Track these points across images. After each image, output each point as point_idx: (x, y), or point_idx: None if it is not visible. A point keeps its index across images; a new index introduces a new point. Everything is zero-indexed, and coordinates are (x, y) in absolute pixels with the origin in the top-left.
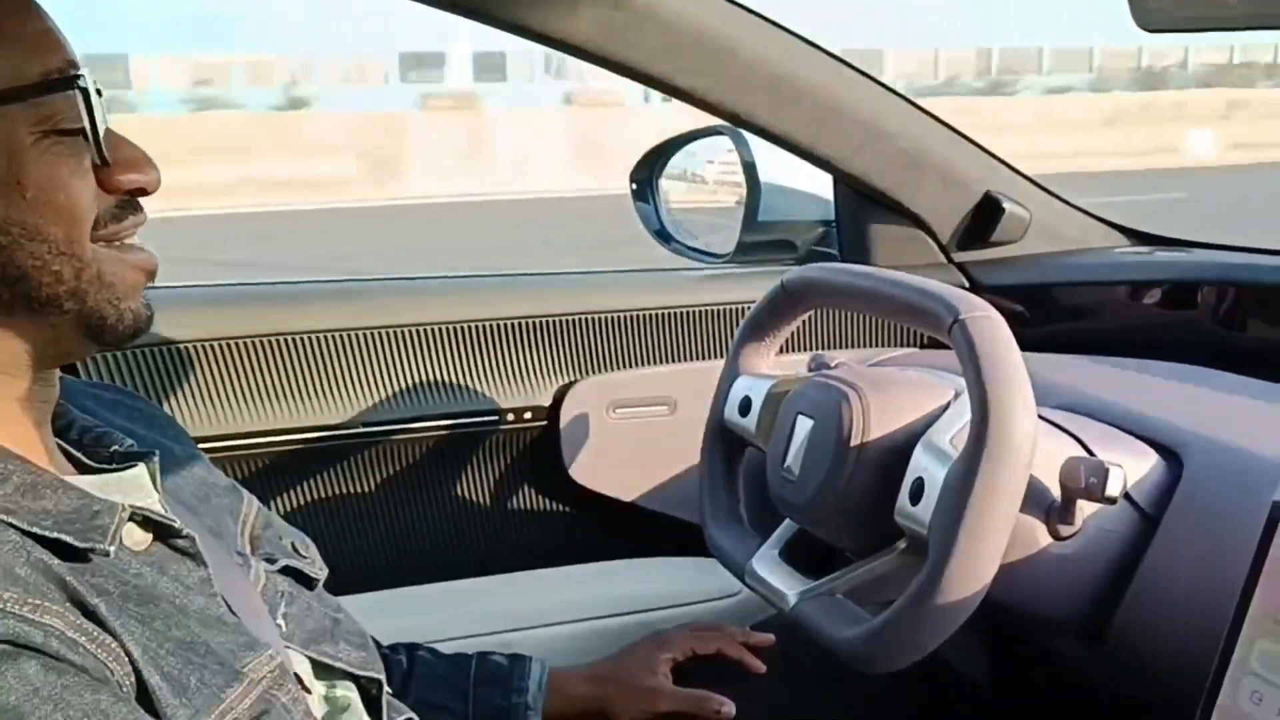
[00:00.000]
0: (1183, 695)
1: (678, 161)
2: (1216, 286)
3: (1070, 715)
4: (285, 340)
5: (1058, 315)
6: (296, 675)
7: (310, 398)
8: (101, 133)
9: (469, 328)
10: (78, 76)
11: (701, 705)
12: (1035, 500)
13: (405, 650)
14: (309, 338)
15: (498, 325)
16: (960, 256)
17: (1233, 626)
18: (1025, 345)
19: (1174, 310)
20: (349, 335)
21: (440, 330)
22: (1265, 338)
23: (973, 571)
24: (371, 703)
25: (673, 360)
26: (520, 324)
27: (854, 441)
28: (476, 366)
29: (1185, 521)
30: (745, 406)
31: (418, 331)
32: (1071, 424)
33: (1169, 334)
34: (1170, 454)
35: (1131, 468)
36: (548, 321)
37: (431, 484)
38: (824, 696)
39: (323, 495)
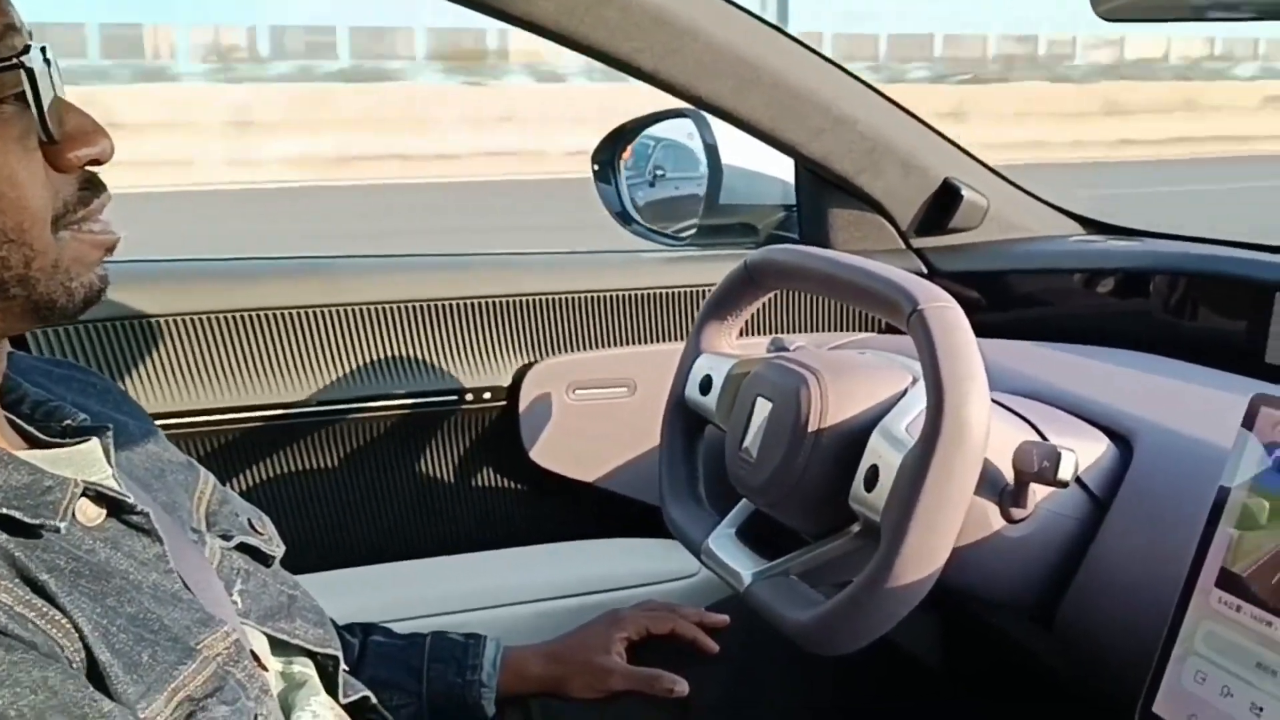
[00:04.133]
0: (1131, 676)
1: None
2: (1168, 276)
3: (1021, 697)
4: (244, 316)
5: (1013, 302)
6: (252, 652)
7: (269, 375)
8: (47, 105)
9: (430, 307)
10: (24, 50)
11: (654, 684)
12: (989, 484)
13: (360, 629)
14: (268, 314)
15: (458, 305)
16: (918, 242)
17: (1178, 608)
18: (981, 331)
19: (1127, 298)
20: (308, 313)
21: (401, 309)
22: (1214, 327)
23: (925, 557)
24: (328, 680)
25: (633, 342)
26: (481, 304)
27: (811, 426)
28: (436, 346)
29: (1134, 505)
30: (706, 385)
31: (378, 310)
32: (1025, 409)
33: (1122, 322)
34: (1121, 439)
35: (1083, 452)
36: (508, 302)
37: (390, 463)
38: (779, 677)
39: (281, 473)
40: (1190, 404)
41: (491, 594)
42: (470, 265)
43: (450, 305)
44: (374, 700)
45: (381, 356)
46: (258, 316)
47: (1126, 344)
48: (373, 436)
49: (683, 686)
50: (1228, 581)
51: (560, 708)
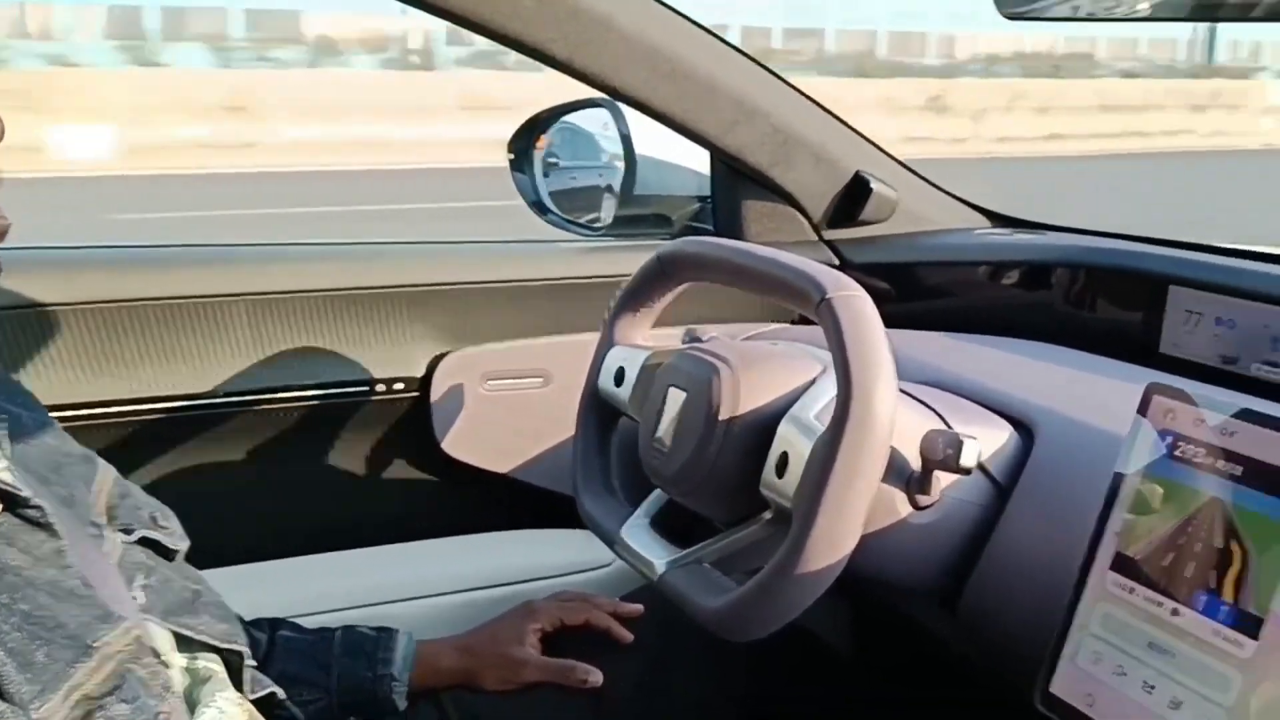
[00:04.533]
0: (1032, 659)
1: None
2: (1069, 268)
3: (929, 682)
4: (147, 306)
5: (922, 293)
6: (154, 649)
7: (173, 366)
8: None
9: (339, 296)
10: None
11: (568, 675)
12: (896, 471)
13: (269, 624)
14: (172, 304)
15: (369, 294)
16: (830, 234)
17: (1076, 591)
18: (891, 322)
19: (1029, 290)
20: (214, 302)
21: (309, 299)
22: (1112, 318)
23: (834, 541)
24: (235, 675)
25: (548, 332)
26: (393, 293)
27: (723, 415)
28: (346, 336)
29: (1034, 492)
30: (620, 377)
31: (286, 300)
32: (932, 398)
33: (1025, 313)
34: (1023, 427)
35: (986, 440)
36: (420, 291)
37: (299, 455)
38: (693, 666)
39: (186, 466)
40: (1088, 393)
41: (404, 587)
42: (382, 254)
43: (361, 295)
44: (282, 696)
45: (290, 347)
46: (161, 306)
47: (1029, 334)
48: (281, 428)
49: (597, 677)
50: (1122, 564)
51: (473, 701)
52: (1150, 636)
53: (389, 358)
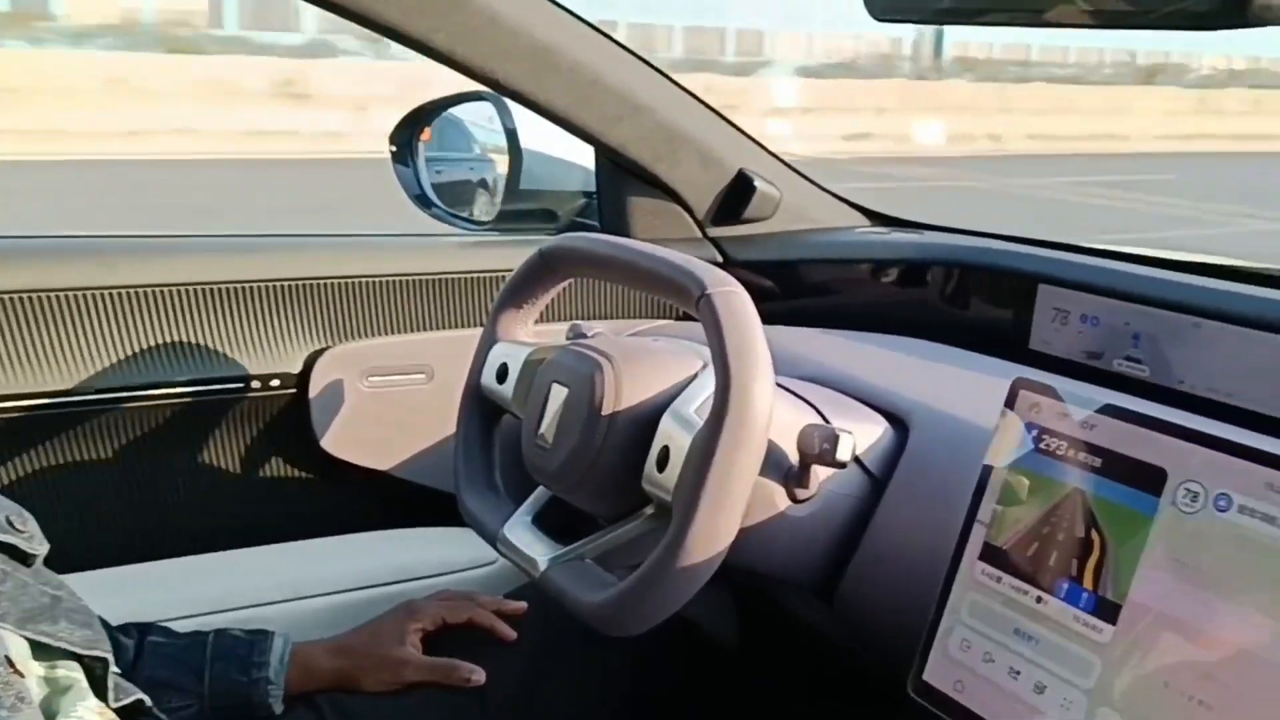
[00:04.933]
0: (906, 648)
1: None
2: (944, 267)
3: (811, 672)
4: (5, 299)
5: (803, 290)
6: (8, 658)
7: (33, 362)
8: None
9: (212, 290)
10: None
11: (450, 674)
12: (774, 465)
13: (137, 629)
14: (31, 297)
15: (243, 288)
16: (714, 231)
17: (946, 581)
18: (773, 318)
19: (906, 288)
20: (77, 295)
21: (180, 291)
22: (984, 315)
23: (713, 535)
24: (97, 683)
25: (431, 328)
26: (269, 287)
27: (605, 410)
28: (220, 331)
29: (908, 484)
30: (502, 373)
31: (156, 293)
32: (810, 393)
33: (902, 310)
34: (898, 421)
35: (862, 434)
36: (298, 285)
37: (170, 454)
38: (578, 663)
39: (48, 466)
40: (961, 388)
41: (281, 588)
42: (258, 247)
43: (235, 289)
44: (149, 703)
45: (161, 342)
46: (18, 299)
47: (907, 331)
48: (152, 426)
49: (480, 675)
50: (990, 554)
51: (352, 703)
52: (1016, 623)
53: (265, 353)
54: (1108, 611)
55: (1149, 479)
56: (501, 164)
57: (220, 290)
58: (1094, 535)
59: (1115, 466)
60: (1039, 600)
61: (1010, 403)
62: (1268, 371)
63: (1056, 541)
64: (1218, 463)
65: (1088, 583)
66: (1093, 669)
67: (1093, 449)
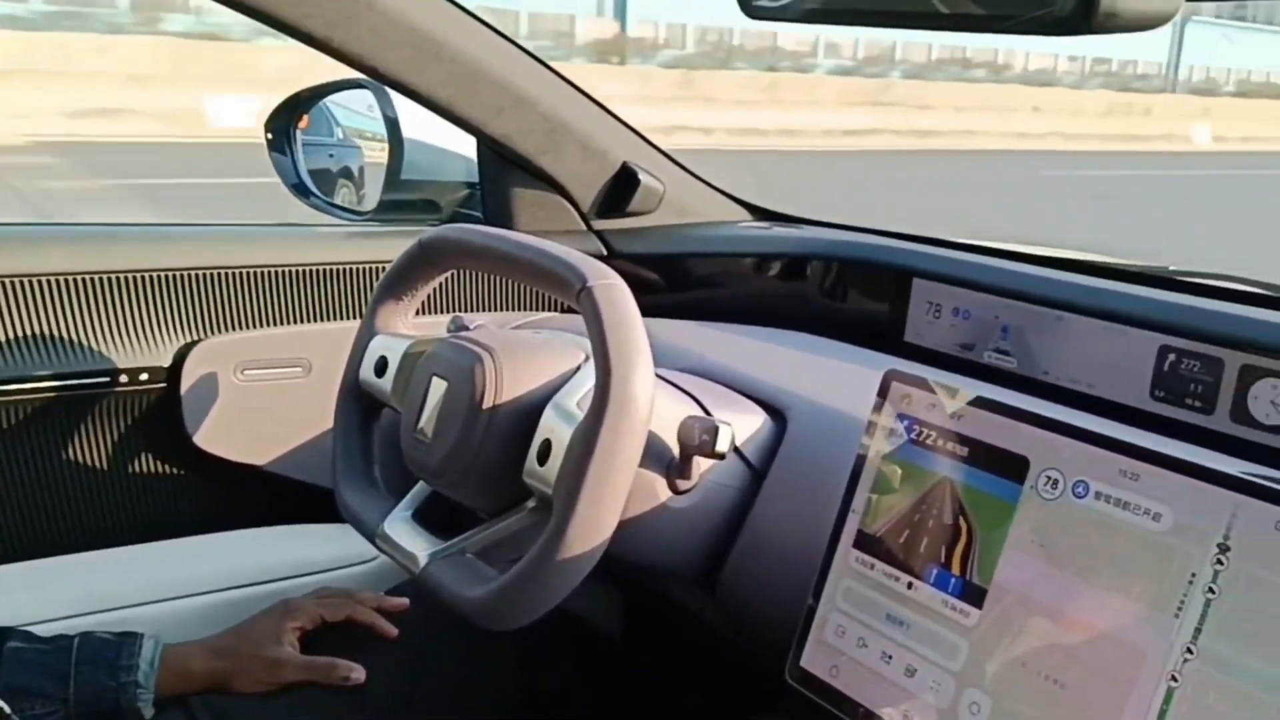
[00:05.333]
0: (785, 635)
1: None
2: (823, 261)
3: (695, 661)
4: None
5: (687, 283)
6: None
7: None
8: None
9: (77, 281)
10: None
11: (329, 673)
12: (656, 457)
13: None
14: None
15: (110, 279)
16: (599, 224)
17: (822, 568)
18: (658, 311)
19: (787, 282)
20: None
21: (42, 283)
22: (862, 308)
23: (593, 527)
24: None
25: (308, 320)
26: (135, 278)
27: (486, 404)
28: (85, 323)
29: (787, 474)
30: (381, 366)
31: (16, 283)
32: (692, 385)
33: (783, 303)
34: (777, 413)
35: (741, 426)
36: (167, 276)
37: (34, 451)
38: (461, 658)
39: None
40: (838, 379)
41: (153, 588)
42: (125, 237)
43: (101, 279)
44: (8, 711)
45: (22, 334)
46: None
47: (787, 324)
48: (13, 423)
49: (359, 673)
50: (864, 542)
51: (227, 705)
52: (888, 609)
53: (133, 346)
54: (974, 596)
55: (1013, 467)
56: (383, 153)
57: (85, 281)
58: (962, 522)
59: (981, 455)
60: (910, 586)
61: (883, 394)
62: (1124, 362)
63: (927, 529)
64: (1076, 451)
65: (956, 568)
66: (960, 652)
67: (961, 439)
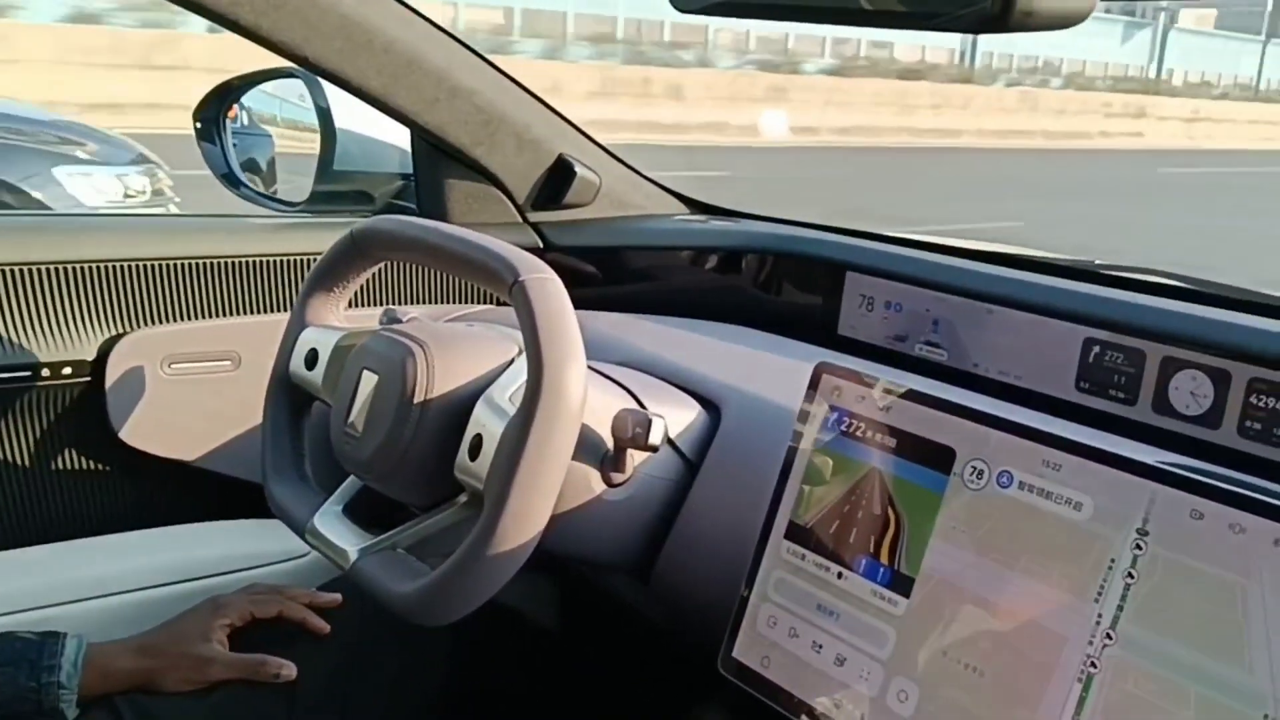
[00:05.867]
0: (718, 625)
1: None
2: (758, 255)
3: (631, 653)
4: None
5: (623, 276)
6: None
7: None
8: None
9: None
10: None
11: (258, 670)
12: (590, 450)
13: None
14: None
15: (29, 270)
16: (534, 217)
17: (755, 559)
18: (593, 304)
19: (723, 275)
20: None
21: None
22: (796, 302)
23: (525, 522)
24: None
25: (237, 312)
26: (57, 269)
27: (418, 398)
28: (6, 316)
29: (720, 467)
30: (312, 359)
31: None
32: (626, 378)
33: (718, 296)
34: (711, 405)
35: (676, 418)
36: (91, 267)
37: None
38: (394, 654)
39: None
40: (772, 372)
41: (77, 587)
42: (46, 227)
43: (20, 270)
44: None
45: None
46: None
47: (722, 317)
48: None
49: (290, 670)
50: (795, 533)
51: (153, 704)
52: (819, 599)
53: (55, 340)
54: (902, 585)
55: (939, 458)
56: (314, 144)
57: (5, 272)
58: (890, 513)
59: (909, 447)
60: (840, 576)
61: (814, 386)
62: (1051, 355)
63: (857, 519)
64: (1000, 442)
65: (885, 558)
66: (888, 641)
67: (890, 430)
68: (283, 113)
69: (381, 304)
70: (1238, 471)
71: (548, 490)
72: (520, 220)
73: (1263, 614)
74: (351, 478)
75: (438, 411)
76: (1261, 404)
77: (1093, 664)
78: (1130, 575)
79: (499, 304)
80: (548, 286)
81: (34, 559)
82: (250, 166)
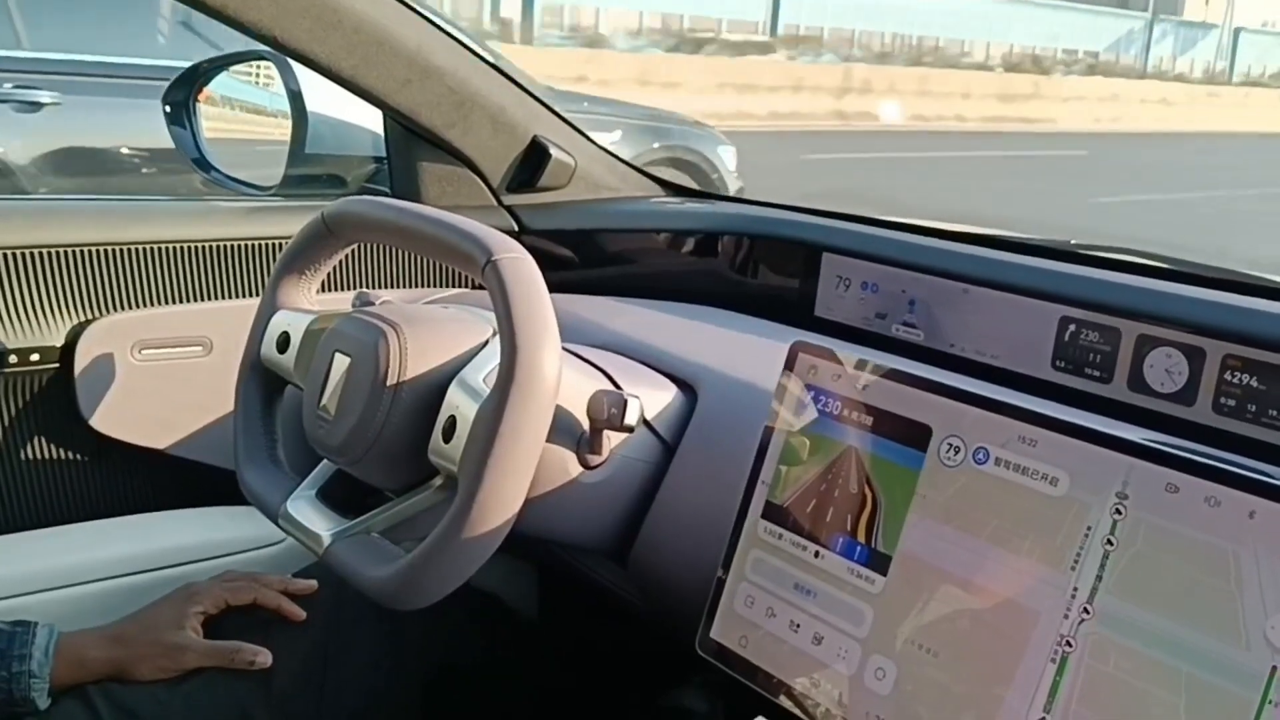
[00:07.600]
0: (696, 606)
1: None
2: (735, 237)
3: (610, 636)
4: None
5: (600, 259)
6: None
7: None
8: None
9: None
10: None
11: (233, 658)
12: (565, 432)
13: None
14: None
15: None
16: (509, 199)
17: (732, 540)
18: (569, 287)
19: (699, 257)
20: None
21: None
22: (773, 283)
23: (499, 504)
24: None
25: (209, 297)
26: (23, 254)
27: (390, 380)
28: None
29: (697, 447)
30: (283, 343)
31: None
32: (602, 360)
33: (695, 279)
34: (687, 387)
35: (651, 400)
36: (58, 252)
37: None
38: (370, 640)
39: None
40: (748, 353)
41: (49, 576)
42: (11, 211)
43: None
44: None
45: None
46: None
47: (699, 299)
48: None
49: (265, 657)
50: (771, 512)
51: (127, 693)
52: (796, 579)
53: (22, 326)
54: (879, 563)
55: (916, 436)
56: (286, 127)
57: None
58: (867, 491)
59: (886, 425)
60: (817, 555)
61: (790, 365)
62: (1026, 334)
63: (833, 498)
64: (976, 418)
65: (862, 536)
66: (865, 619)
67: (866, 408)
68: (253, 97)
69: (357, 289)
70: (1213, 448)
71: (522, 472)
72: (495, 203)
73: (1258, 583)
74: (325, 462)
75: (411, 394)
76: (1236, 380)
77: (1068, 642)
78: (1110, 542)
79: (474, 287)
80: (521, 266)
81: (4, 547)
82: (221, 149)
